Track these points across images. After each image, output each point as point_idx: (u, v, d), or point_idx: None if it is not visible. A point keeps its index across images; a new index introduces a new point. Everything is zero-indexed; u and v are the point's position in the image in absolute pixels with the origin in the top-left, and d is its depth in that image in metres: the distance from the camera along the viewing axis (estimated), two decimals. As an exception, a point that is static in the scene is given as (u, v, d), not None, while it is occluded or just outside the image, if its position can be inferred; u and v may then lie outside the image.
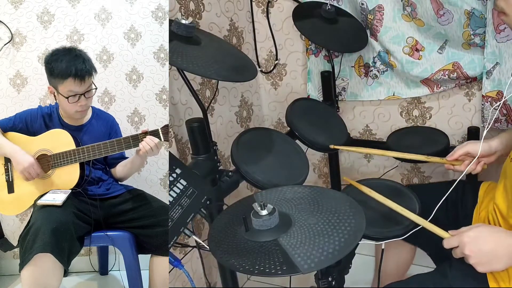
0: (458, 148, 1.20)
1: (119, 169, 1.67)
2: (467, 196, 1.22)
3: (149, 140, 1.46)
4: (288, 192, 1.02)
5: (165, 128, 1.46)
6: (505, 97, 1.29)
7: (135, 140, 1.49)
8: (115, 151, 1.51)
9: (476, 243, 0.88)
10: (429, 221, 1.02)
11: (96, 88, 1.57)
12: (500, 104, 1.31)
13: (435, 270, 1.08)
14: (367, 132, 1.89)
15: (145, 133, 1.48)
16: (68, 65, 1.46)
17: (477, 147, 1.15)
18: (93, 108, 1.70)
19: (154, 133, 1.47)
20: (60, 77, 1.47)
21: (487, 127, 1.11)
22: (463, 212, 1.21)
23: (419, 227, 1.06)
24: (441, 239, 1.20)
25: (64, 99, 1.50)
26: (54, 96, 1.55)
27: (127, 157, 1.68)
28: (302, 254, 0.79)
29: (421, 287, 1.03)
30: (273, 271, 0.77)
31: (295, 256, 0.79)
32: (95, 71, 1.56)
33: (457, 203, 1.23)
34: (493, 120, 1.48)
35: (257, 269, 0.78)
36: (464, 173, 1.15)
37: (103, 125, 1.67)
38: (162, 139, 1.47)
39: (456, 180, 1.10)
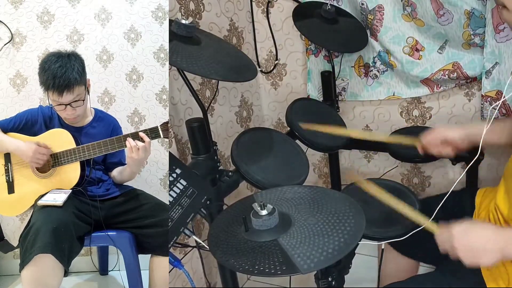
0: (434, 132, 1.24)
1: (114, 175, 1.66)
2: (465, 204, 1.22)
3: (132, 140, 1.45)
4: (288, 192, 1.02)
5: (165, 125, 1.45)
6: (504, 96, 1.30)
7: (135, 138, 1.48)
8: (115, 148, 1.51)
9: (465, 236, 0.87)
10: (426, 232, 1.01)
11: (84, 100, 1.53)
12: (499, 103, 1.31)
13: (434, 271, 1.08)
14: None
15: (145, 131, 1.48)
16: (48, 77, 1.44)
17: (454, 133, 1.20)
18: (95, 110, 1.69)
19: (154, 131, 1.48)
20: (43, 88, 1.48)
21: (486, 126, 1.09)
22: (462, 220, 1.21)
23: (410, 234, 1.06)
24: (436, 249, 1.20)
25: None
26: None
27: (125, 163, 1.67)
28: (302, 254, 0.79)
29: (420, 287, 1.03)
30: (272, 271, 0.77)
31: (294, 256, 0.79)
32: (82, 82, 1.50)
33: (456, 212, 1.22)
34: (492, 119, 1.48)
35: (257, 269, 0.78)
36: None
37: (104, 128, 1.66)
38: (162, 136, 1.47)
39: (454, 189, 1.10)
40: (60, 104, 1.49)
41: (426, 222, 0.95)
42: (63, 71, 1.44)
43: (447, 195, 1.08)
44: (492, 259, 0.85)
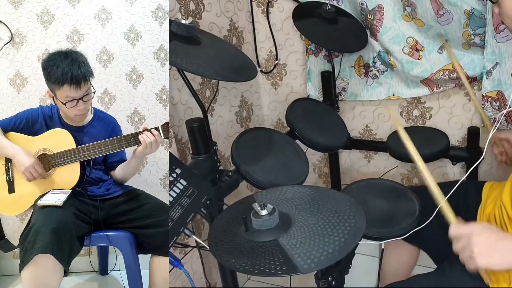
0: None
1: (118, 172, 1.66)
2: (469, 196, 1.22)
3: (146, 136, 1.46)
4: (288, 192, 1.02)
5: (165, 126, 1.46)
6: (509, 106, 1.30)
7: (135, 138, 1.49)
8: (115, 149, 1.51)
9: (487, 232, 0.86)
10: (431, 222, 1.01)
11: (94, 92, 1.56)
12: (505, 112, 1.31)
13: (435, 271, 1.07)
14: (367, 132, 1.89)
15: (146, 130, 1.48)
16: (64, 71, 1.45)
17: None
18: (94, 109, 1.70)
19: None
20: (57, 83, 1.46)
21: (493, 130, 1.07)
22: (466, 213, 1.20)
23: (418, 228, 1.05)
24: (441, 239, 1.19)
25: (62, 104, 1.50)
26: (53, 99, 1.56)
27: (126, 160, 1.68)
28: (302, 254, 0.79)
29: (420, 287, 1.03)
30: (273, 271, 0.77)
31: (295, 256, 0.79)
32: (92, 75, 1.54)
33: (459, 204, 1.22)
34: (492, 120, 1.48)
35: (257, 269, 0.78)
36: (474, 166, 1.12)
37: (104, 127, 1.67)
38: (162, 137, 1.47)
39: (457, 180, 1.10)
40: (72, 100, 1.49)
41: (448, 211, 0.94)
42: (77, 65, 1.47)
43: (450, 194, 1.08)
44: (506, 260, 0.84)
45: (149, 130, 1.47)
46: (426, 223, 1.07)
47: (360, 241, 0.85)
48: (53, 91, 1.51)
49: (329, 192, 1.01)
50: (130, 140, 1.50)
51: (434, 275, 1.05)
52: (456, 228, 0.91)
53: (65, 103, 1.49)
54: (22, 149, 1.51)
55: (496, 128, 1.05)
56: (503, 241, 0.85)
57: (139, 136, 1.47)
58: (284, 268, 0.77)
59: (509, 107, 1.30)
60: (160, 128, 1.47)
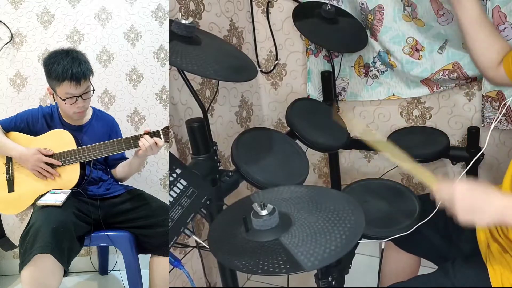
0: None
1: (119, 170, 1.67)
2: None
3: (145, 140, 1.46)
4: (285, 192, 1.02)
5: (166, 129, 1.46)
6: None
7: (136, 140, 1.49)
8: (116, 151, 1.52)
9: (467, 193, 0.87)
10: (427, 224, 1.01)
11: (93, 90, 1.57)
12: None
13: (437, 270, 1.07)
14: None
15: (147, 134, 1.48)
16: (64, 68, 1.46)
17: None
18: (93, 108, 1.70)
19: (155, 134, 1.48)
20: (57, 80, 1.48)
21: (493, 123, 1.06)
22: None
23: (412, 229, 1.05)
24: (439, 243, 1.19)
25: (61, 101, 1.51)
26: (53, 97, 1.56)
27: (127, 158, 1.68)
28: (305, 252, 0.80)
29: (423, 287, 1.03)
30: (277, 270, 0.77)
31: (298, 254, 0.79)
32: (92, 73, 1.56)
33: None
34: (492, 120, 1.48)
35: (261, 268, 0.78)
36: None
37: (103, 126, 1.67)
38: (163, 140, 1.47)
39: None
40: (71, 97, 1.50)
41: (426, 173, 0.95)
42: (77, 63, 1.49)
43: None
44: (488, 220, 0.86)
45: (149, 134, 1.48)
46: (409, 231, 1.08)
47: (361, 239, 0.85)
48: (53, 88, 1.52)
49: (326, 191, 1.02)
50: (130, 143, 1.51)
51: (436, 274, 1.04)
52: (439, 188, 0.91)
53: (64, 100, 1.50)
54: (24, 148, 1.52)
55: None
56: (483, 199, 0.86)
57: (139, 141, 1.48)
58: (288, 266, 0.77)
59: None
60: (161, 131, 1.47)
